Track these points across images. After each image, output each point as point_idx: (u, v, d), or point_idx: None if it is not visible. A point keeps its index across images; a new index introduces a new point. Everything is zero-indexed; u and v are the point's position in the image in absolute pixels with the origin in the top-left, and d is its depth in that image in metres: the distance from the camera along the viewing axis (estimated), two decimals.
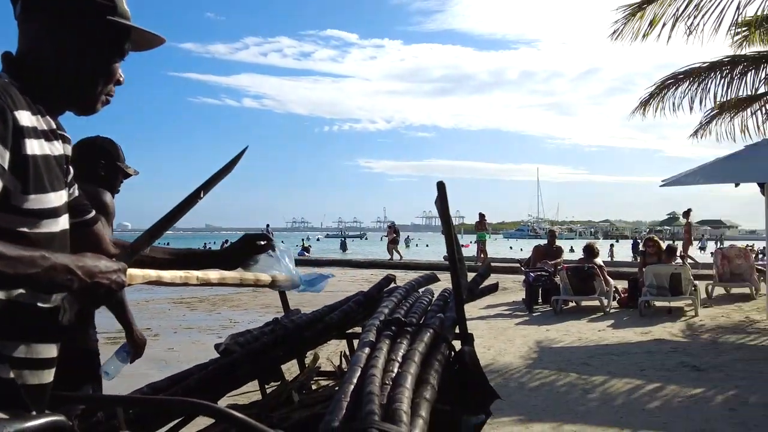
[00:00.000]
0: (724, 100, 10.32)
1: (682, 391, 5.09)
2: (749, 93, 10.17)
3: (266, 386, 2.41)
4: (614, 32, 9.28)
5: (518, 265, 13.56)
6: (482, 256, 20.85)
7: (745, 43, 10.43)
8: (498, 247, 44.65)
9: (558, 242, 12.63)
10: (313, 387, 2.56)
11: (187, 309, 11.33)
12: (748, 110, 10.89)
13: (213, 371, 2.16)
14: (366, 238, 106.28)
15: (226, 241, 19.08)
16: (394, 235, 25.00)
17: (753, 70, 9.71)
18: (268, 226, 32.00)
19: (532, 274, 10.62)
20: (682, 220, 17.75)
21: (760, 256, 14.57)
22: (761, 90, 10.20)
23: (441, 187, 2.05)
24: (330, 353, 4.60)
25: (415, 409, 1.64)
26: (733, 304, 10.00)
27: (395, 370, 1.76)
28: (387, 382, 1.69)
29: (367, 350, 1.85)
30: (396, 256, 24.11)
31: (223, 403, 2.13)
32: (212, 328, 8.99)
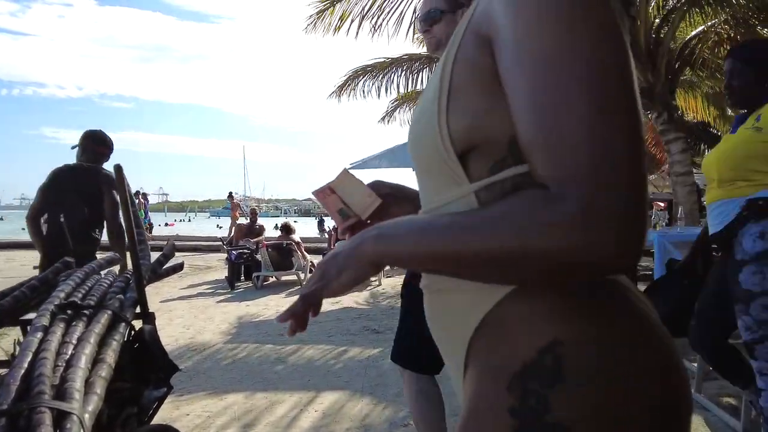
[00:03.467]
0: (406, 91, 11.64)
1: (363, 353, 5.70)
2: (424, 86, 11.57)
3: None
4: (308, 25, 9.81)
5: (221, 242, 13.70)
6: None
7: (422, 43, 11.82)
8: (204, 226, 43.94)
9: (264, 220, 13.04)
10: None
11: None
12: None
13: None
14: None
15: None
16: None
17: (427, 68, 11.06)
18: None
19: (234, 252, 10.86)
20: None
21: None
22: None
23: (118, 170, 2.11)
24: (8, 344, 4.24)
25: (90, 387, 1.70)
26: None
27: (69, 352, 1.80)
28: (60, 364, 1.72)
29: (39, 335, 1.85)
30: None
31: None
32: None
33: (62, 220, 3.96)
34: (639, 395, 0.72)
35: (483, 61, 0.76)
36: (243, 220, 14.42)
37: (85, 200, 4.08)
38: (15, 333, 2.40)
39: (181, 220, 75.26)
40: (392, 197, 1.19)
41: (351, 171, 1.18)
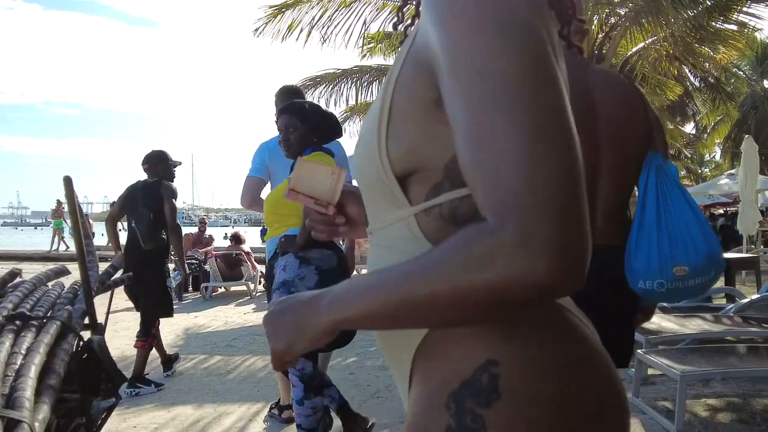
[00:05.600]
0: (356, 103, 11.70)
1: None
2: (374, 99, 11.66)
3: None
4: (257, 29, 9.72)
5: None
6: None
7: (369, 54, 11.95)
8: None
9: (213, 230, 12.88)
10: None
11: None
12: None
13: None
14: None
15: None
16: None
17: (377, 80, 11.15)
18: None
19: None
20: None
21: None
22: None
23: (67, 182, 2.14)
24: None
25: (40, 397, 1.73)
26: None
27: (18, 362, 1.81)
28: (9, 374, 1.74)
29: None
30: (62, 246, 22.01)
31: None
32: None
33: (133, 225, 5.13)
34: (573, 414, 0.73)
35: (421, 90, 0.77)
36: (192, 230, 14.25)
37: (150, 208, 5.11)
38: None
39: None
40: (351, 198, 1.12)
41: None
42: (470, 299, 0.66)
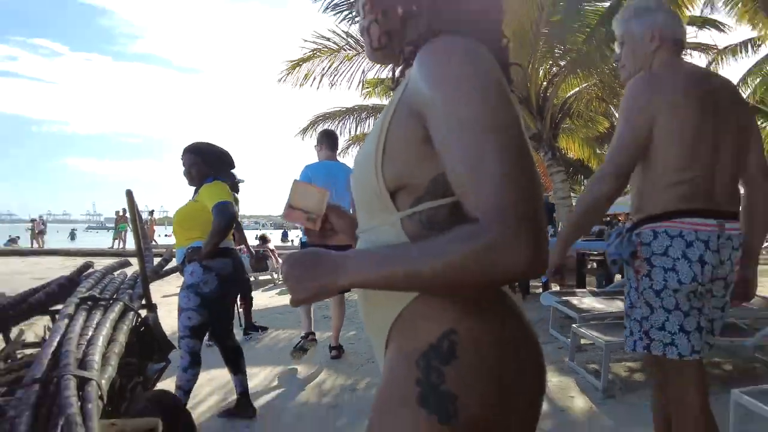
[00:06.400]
0: (356, 134, 11.73)
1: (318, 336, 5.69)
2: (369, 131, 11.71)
3: None
4: (280, 78, 9.78)
5: None
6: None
7: (367, 96, 11.97)
8: None
9: (246, 232, 12.81)
10: (20, 357, 2.36)
11: None
12: None
13: None
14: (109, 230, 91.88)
15: None
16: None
17: (372, 116, 11.18)
18: None
19: None
20: None
21: None
22: None
23: (129, 195, 2.14)
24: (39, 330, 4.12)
25: (106, 361, 1.72)
26: None
27: (89, 334, 1.81)
28: (82, 343, 1.73)
29: (66, 321, 1.85)
30: (121, 245, 21.93)
31: None
32: None
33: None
34: (508, 370, 0.77)
35: (411, 129, 0.80)
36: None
37: None
38: (44, 321, 2.37)
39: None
40: (334, 213, 1.17)
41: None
42: (464, 279, 0.70)
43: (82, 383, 1.48)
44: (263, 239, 11.10)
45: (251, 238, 15.97)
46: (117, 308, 2.00)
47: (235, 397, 3.43)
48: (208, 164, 3.21)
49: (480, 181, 0.70)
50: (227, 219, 2.71)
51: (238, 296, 5.73)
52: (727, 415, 2.69)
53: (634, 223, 1.87)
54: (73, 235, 44.15)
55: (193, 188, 3.15)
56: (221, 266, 2.92)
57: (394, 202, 0.84)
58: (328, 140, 4.87)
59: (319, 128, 11.39)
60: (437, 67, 0.77)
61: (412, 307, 0.82)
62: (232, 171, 3.61)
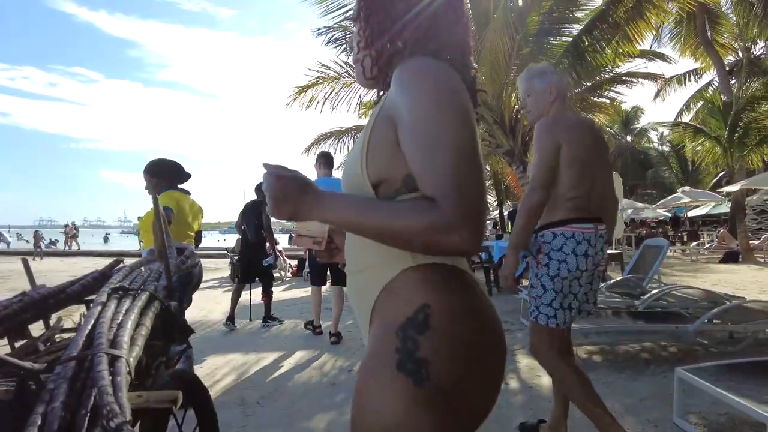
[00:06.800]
0: None
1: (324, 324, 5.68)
2: None
3: (15, 344, 2.16)
4: (288, 103, 9.83)
5: (226, 251, 13.38)
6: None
7: (364, 116, 12.00)
8: (211, 240, 42.51)
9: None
10: (58, 340, 2.35)
11: None
12: None
13: None
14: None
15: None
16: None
17: None
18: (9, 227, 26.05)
19: (235, 257, 10.59)
20: None
21: None
22: None
23: (154, 199, 2.15)
24: (76, 317, 4.09)
25: (134, 342, 1.72)
26: None
27: (119, 319, 1.81)
28: (113, 327, 1.74)
29: (99, 308, 1.84)
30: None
31: None
32: None
33: (244, 227, 5.84)
34: (474, 341, 0.80)
35: (388, 134, 0.84)
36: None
37: (256, 217, 5.75)
38: (80, 310, 2.36)
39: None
40: (335, 232, 1.20)
41: None
42: (413, 239, 0.75)
43: (113, 360, 1.48)
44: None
45: None
46: (144, 297, 1.99)
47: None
48: (159, 178, 3.53)
49: (433, 175, 0.75)
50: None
51: (261, 290, 5.95)
52: (672, 389, 2.74)
53: (539, 227, 2.18)
54: (106, 239, 44.07)
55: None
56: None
57: (377, 193, 0.86)
58: (325, 160, 4.95)
59: (322, 145, 11.44)
60: (408, 81, 0.82)
61: (392, 284, 0.84)
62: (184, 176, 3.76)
